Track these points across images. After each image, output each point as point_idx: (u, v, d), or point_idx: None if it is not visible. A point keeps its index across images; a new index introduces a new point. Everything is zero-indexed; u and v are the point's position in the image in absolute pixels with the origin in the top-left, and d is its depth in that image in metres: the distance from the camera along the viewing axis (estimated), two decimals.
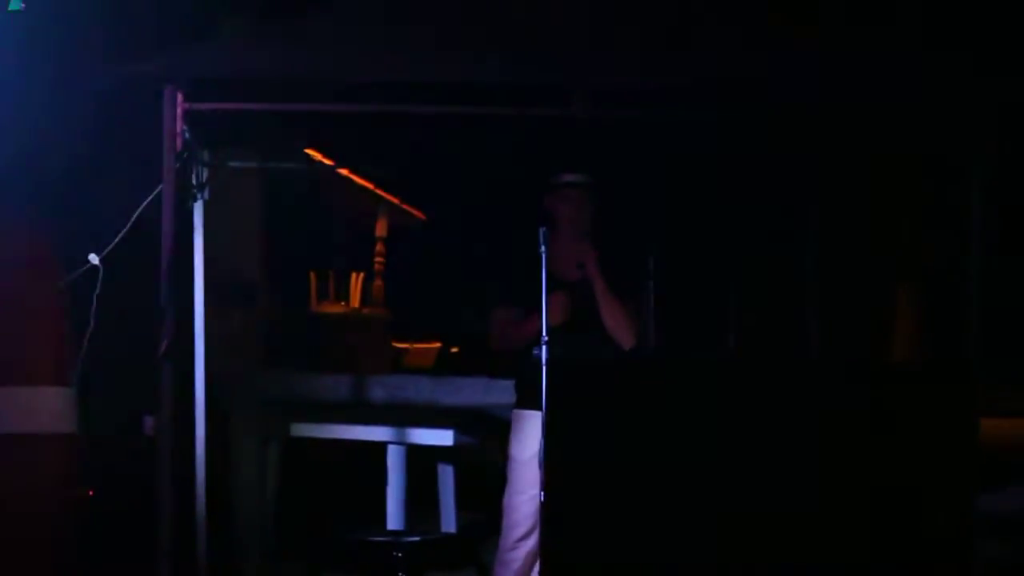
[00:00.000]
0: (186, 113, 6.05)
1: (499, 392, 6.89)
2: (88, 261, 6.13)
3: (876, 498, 6.00)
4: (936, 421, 6.07)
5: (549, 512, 5.73)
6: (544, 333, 5.82)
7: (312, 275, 8.35)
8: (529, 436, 6.21)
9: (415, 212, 8.74)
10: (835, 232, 8.54)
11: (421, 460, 7.74)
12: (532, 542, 6.20)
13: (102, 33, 6.22)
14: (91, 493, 6.73)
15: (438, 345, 9.27)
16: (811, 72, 6.16)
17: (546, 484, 5.74)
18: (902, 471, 6.06)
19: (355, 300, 8.38)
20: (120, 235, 6.11)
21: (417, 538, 7.03)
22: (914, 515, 5.98)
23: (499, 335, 6.42)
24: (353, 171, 8.07)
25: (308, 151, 7.44)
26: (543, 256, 5.79)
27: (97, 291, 6.12)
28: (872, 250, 8.54)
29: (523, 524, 6.23)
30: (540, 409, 6.04)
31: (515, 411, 6.36)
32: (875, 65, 6.20)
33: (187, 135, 6.09)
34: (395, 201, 8.58)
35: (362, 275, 8.43)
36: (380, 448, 7.72)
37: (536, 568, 6.18)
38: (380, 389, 7.66)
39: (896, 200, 8.36)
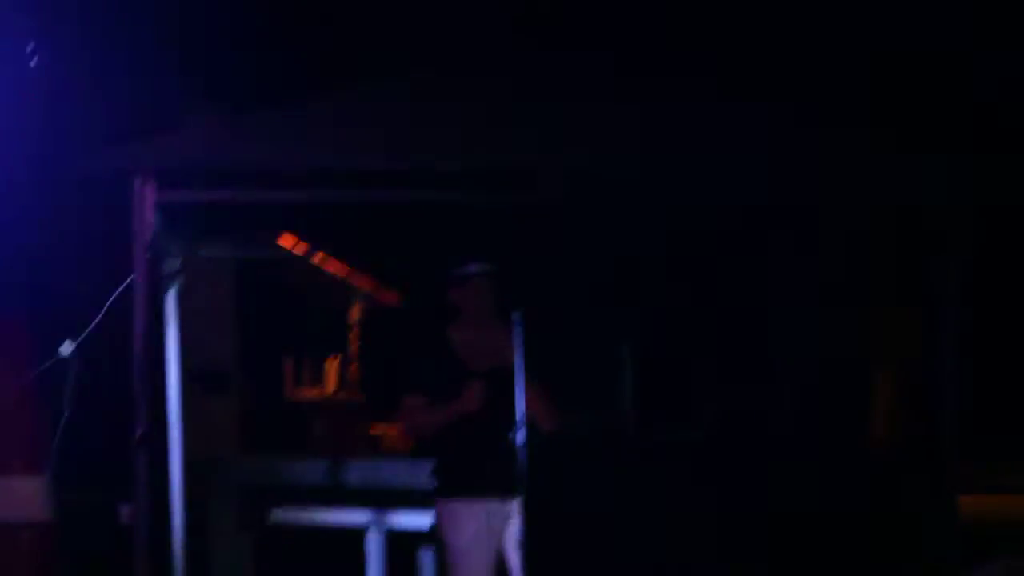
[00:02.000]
0: (157, 203, 6.10)
1: None
2: (60, 351, 6.15)
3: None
4: (914, 501, 6.09)
5: None
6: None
7: (286, 362, 8.35)
8: (463, 522, 6.27)
9: (389, 296, 8.75)
10: (813, 314, 8.57)
11: (401, 545, 7.71)
12: None
13: (77, 121, 6.26)
14: None
15: None
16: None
17: (525, 567, 5.81)
18: (882, 549, 6.07)
19: (331, 385, 8.38)
20: (92, 324, 6.14)
21: None
22: None
23: (413, 422, 6.50)
24: (326, 257, 8.09)
25: (280, 239, 7.47)
26: (518, 340, 5.86)
27: (71, 380, 6.13)
28: (850, 332, 8.56)
29: None
30: (471, 496, 6.25)
31: (443, 500, 6.37)
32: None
33: (158, 225, 6.13)
34: (368, 286, 8.59)
35: (337, 360, 8.43)
36: (359, 534, 7.69)
37: None
38: (357, 473, 7.62)
39: (872, 279, 8.40)
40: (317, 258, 7.98)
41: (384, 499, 7.53)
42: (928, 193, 6.14)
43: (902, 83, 7.22)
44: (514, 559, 6.22)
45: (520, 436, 5.86)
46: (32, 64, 5.98)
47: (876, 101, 6.93)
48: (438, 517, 6.41)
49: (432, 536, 6.73)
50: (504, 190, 6.18)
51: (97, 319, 6.14)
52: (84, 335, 6.15)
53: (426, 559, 7.75)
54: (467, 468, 6.30)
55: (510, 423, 5.92)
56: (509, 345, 6.01)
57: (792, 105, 6.24)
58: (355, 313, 8.53)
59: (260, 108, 6.39)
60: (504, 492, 6.11)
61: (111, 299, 6.13)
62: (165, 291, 6.33)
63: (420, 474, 6.69)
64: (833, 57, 7.27)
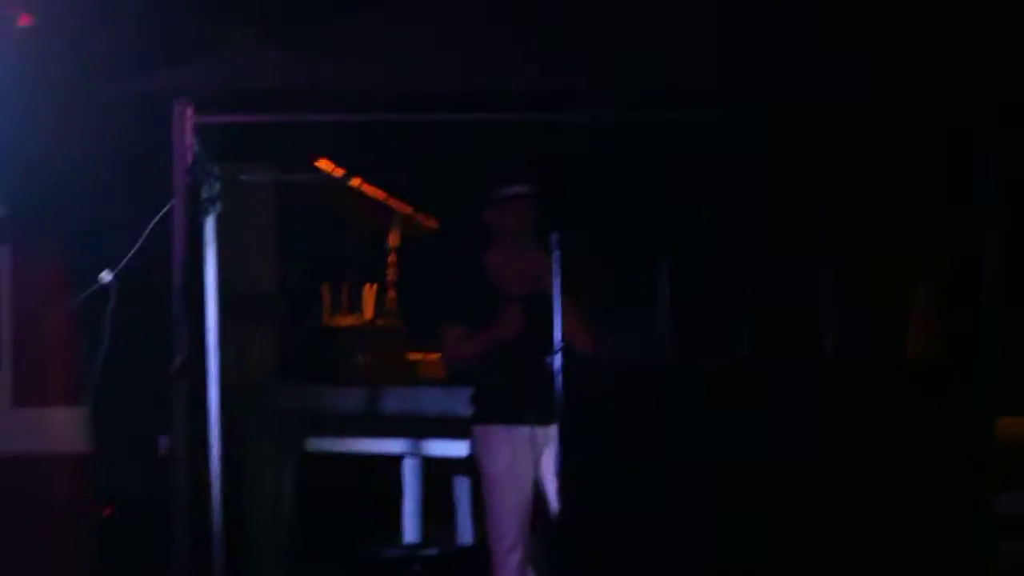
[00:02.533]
0: (196, 127, 6.02)
1: None
2: (100, 279, 6.13)
3: (893, 499, 6.00)
4: (953, 421, 6.07)
5: (567, 531, 5.82)
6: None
7: (325, 287, 8.33)
8: (499, 449, 6.28)
9: (428, 221, 8.72)
10: (849, 231, 8.52)
11: (437, 472, 7.73)
12: (519, 553, 6.26)
13: (111, 48, 6.20)
14: (107, 513, 6.73)
15: None
16: (816, 71, 6.14)
17: (563, 500, 5.79)
18: (920, 471, 6.06)
19: (368, 312, 8.35)
20: (132, 252, 6.11)
21: (435, 551, 7.06)
22: (934, 516, 5.98)
23: (451, 351, 6.47)
24: (364, 181, 8.05)
25: (319, 163, 7.44)
26: (556, 263, 5.81)
27: (110, 309, 6.12)
28: (887, 249, 8.52)
29: (509, 537, 6.26)
30: (507, 422, 6.26)
31: (479, 427, 6.38)
32: (878, 65, 6.18)
33: (197, 149, 6.07)
34: (408, 211, 8.56)
35: (375, 286, 8.40)
36: (396, 461, 7.72)
37: None
38: (395, 401, 7.66)
39: (910, 199, 8.35)
40: (355, 182, 7.97)
41: (421, 427, 7.57)
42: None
43: None
44: (551, 486, 6.20)
45: (557, 361, 5.82)
46: None
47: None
48: (474, 443, 6.42)
49: (469, 464, 6.75)
50: (546, 110, 6.09)
51: (136, 246, 6.09)
52: (123, 262, 6.11)
53: (462, 486, 7.81)
54: (504, 394, 6.29)
55: (547, 348, 5.88)
56: (547, 268, 5.95)
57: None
58: (393, 239, 8.50)
59: (299, 28, 6.32)
60: (541, 418, 6.09)
61: (151, 225, 6.07)
62: (204, 216, 6.28)
63: (457, 402, 6.71)
64: None
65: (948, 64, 6.20)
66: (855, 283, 8.42)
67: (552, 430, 6.00)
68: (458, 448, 7.23)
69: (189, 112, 6.01)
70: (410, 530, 7.70)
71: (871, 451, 6.14)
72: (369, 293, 8.36)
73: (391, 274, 8.50)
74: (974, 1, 6.37)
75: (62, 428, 6.29)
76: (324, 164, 7.42)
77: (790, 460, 6.10)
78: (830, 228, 8.31)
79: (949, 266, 8.22)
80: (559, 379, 5.81)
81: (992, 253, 6.11)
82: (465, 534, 7.83)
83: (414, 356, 8.48)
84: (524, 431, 6.22)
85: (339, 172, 7.51)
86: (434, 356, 7.98)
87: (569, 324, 5.98)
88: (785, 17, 6.23)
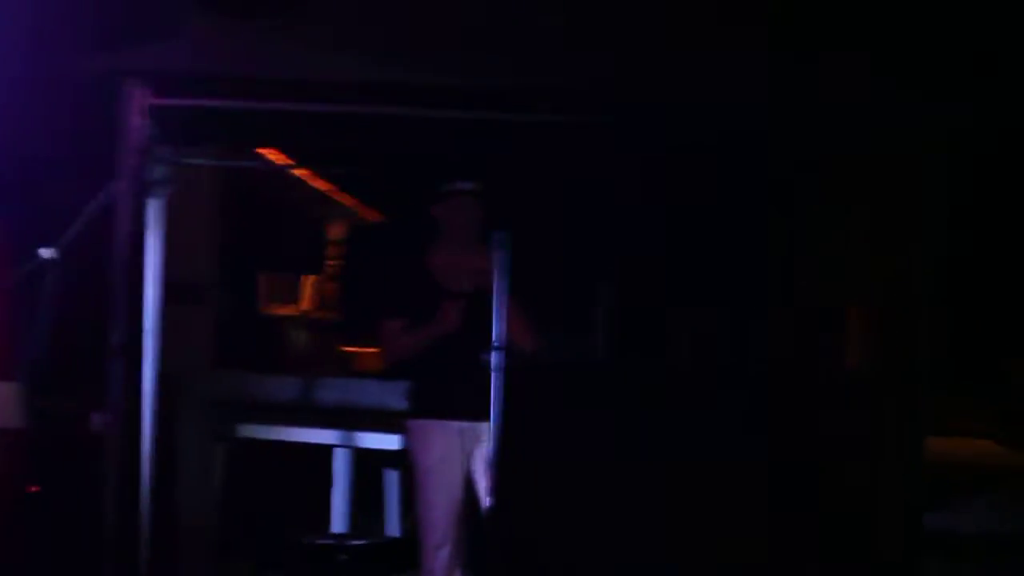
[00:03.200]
0: (146, 108, 6.03)
1: None
2: (40, 256, 6.10)
3: (824, 510, 6.03)
4: (885, 437, 6.11)
5: (498, 525, 5.80)
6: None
7: (263, 276, 8.31)
8: (432, 443, 6.32)
9: (372, 214, 8.71)
10: (787, 251, 8.57)
11: (368, 464, 7.74)
12: (449, 547, 6.29)
13: (65, 26, 6.17)
14: (35, 489, 6.68)
15: None
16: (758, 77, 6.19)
17: (496, 490, 5.78)
18: (851, 486, 6.09)
19: (306, 302, 8.34)
20: (73, 230, 6.08)
21: (362, 541, 7.04)
22: (863, 531, 6.02)
23: (391, 346, 6.46)
24: (310, 173, 8.04)
25: (263, 151, 7.43)
26: (500, 261, 5.78)
27: (49, 286, 6.07)
28: (825, 270, 8.57)
29: (439, 530, 6.30)
30: (441, 417, 6.31)
31: (413, 421, 6.40)
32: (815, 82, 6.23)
33: (146, 131, 6.06)
34: (351, 204, 8.54)
35: (314, 278, 8.40)
36: (327, 451, 7.72)
37: (457, 573, 6.33)
38: (329, 392, 7.67)
39: (849, 220, 8.40)
40: (301, 172, 7.95)
41: (355, 419, 7.56)
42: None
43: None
44: (482, 481, 6.25)
45: (495, 359, 5.80)
46: None
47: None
48: (409, 436, 6.44)
49: (400, 457, 6.76)
50: (500, 109, 6.11)
51: (78, 224, 6.07)
52: (63, 240, 6.07)
53: (391, 479, 7.81)
54: (439, 389, 6.31)
55: (485, 345, 5.86)
56: (489, 266, 5.94)
57: (789, 37, 6.23)
58: (336, 231, 8.49)
59: (252, 15, 6.31)
60: (475, 414, 6.10)
61: (94, 204, 6.06)
62: (150, 199, 6.26)
63: (391, 395, 6.75)
64: None
65: (889, 86, 6.26)
66: (792, 303, 8.48)
67: (484, 426, 5.99)
68: (390, 441, 7.24)
69: (139, 93, 6.01)
70: (338, 520, 7.67)
71: (804, 461, 6.18)
72: (307, 283, 8.36)
73: (332, 266, 8.50)
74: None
75: None
76: (270, 152, 7.43)
77: (719, 463, 6.13)
78: (768, 245, 8.36)
79: (884, 290, 8.29)
80: (496, 376, 5.78)
81: (927, 276, 6.18)
82: (393, 526, 7.84)
83: (351, 349, 8.49)
84: (457, 426, 6.27)
85: (285, 161, 7.52)
86: (371, 350, 7.98)
87: (512, 322, 5.97)
88: (732, 30, 6.27)
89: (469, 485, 6.35)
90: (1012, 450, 8.03)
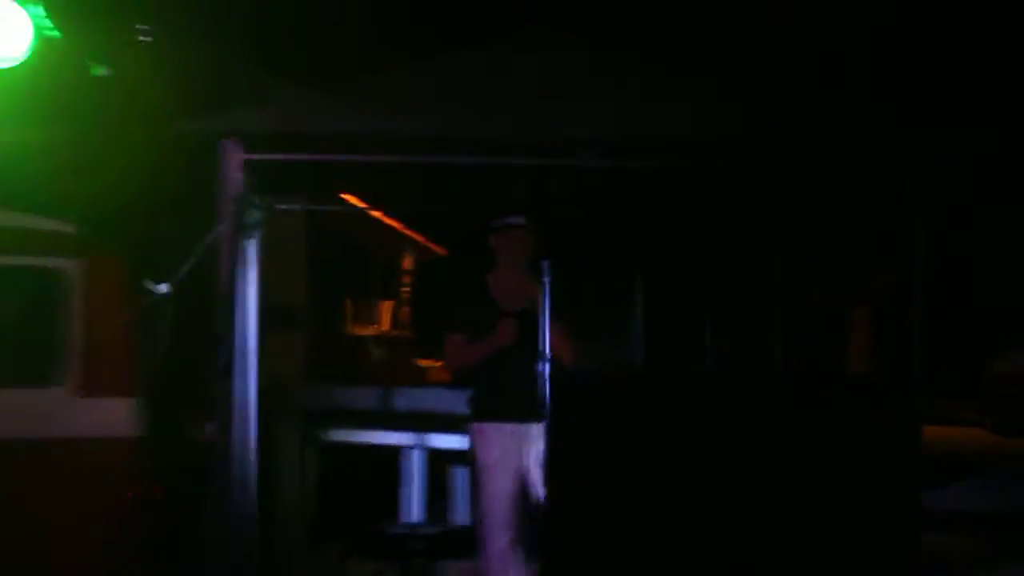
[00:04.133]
0: (243, 163, 6.18)
1: None
2: (158, 290, 6.26)
3: (834, 496, 6.05)
4: (885, 428, 6.13)
5: (552, 515, 5.81)
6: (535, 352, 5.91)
7: (348, 302, 8.38)
8: (492, 444, 6.35)
9: (437, 248, 8.80)
10: (796, 263, 8.60)
11: (438, 462, 7.80)
12: (509, 534, 6.31)
13: (173, 96, 6.35)
14: (157, 490, 6.80)
15: None
16: (764, 129, 6.29)
17: (548, 489, 5.82)
18: (857, 474, 6.10)
19: (384, 323, 8.42)
20: (185, 268, 6.23)
21: (433, 529, 7.12)
22: (866, 510, 6.03)
23: (454, 357, 6.54)
24: (385, 214, 8.12)
25: (345, 196, 7.57)
26: (546, 285, 5.88)
27: (166, 315, 6.25)
28: (829, 279, 8.61)
29: (499, 520, 6.32)
30: (502, 420, 6.33)
31: (475, 424, 6.43)
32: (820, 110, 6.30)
33: (242, 182, 6.22)
34: (420, 239, 8.63)
35: (391, 303, 8.48)
36: (403, 451, 7.74)
37: (516, 557, 6.33)
38: (404, 399, 7.72)
39: (849, 232, 8.43)
40: (377, 214, 8.03)
41: (426, 422, 7.61)
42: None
43: None
44: (536, 476, 6.30)
45: (545, 368, 5.88)
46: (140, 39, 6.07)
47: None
48: (471, 437, 6.49)
49: (465, 455, 6.81)
50: (547, 156, 6.24)
51: (189, 263, 6.23)
52: (178, 276, 6.24)
53: (458, 474, 7.88)
54: (497, 395, 6.37)
55: (536, 357, 5.94)
56: (537, 289, 6.02)
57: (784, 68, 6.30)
58: (407, 262, 8.56)
59: (330, 81, 6.46)
60: (528, 416, 6.17)
61: (203, 245, 6.22)
62: (247, 240, 6.42)
63: (457, 401, 6.77)
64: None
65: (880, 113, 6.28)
66: (802, 309, 8.52)
67: (537, 427, 6.08)
68: (456, 441, 7.28)
69: (235, 150, 6.17)
70: (412, 511, 7.75)
71: (817, 454, 6.18)
72: (385, 307, 8.41)
73: (405, 292, 8.54)
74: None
75: (121, 416, 6.37)
76: (350, 198, 7.55)
77: (743, 459, 6.13)
78: (781, 261, 8.40)
79: (883, 294, 8.34)
80: (546, 384, 5.85)
81: (920, 282, 6.24)
82: (461, 516, 7.82)
83: (423, 362, 8.52)
84: (512, 428, 6.31)
85: (362, 205, 7.60)
86: (439, 363, 7.99)
87: (556, 340, 6.03)
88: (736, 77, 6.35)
89: (525, 479, 6.37)
90: (999, 436, 8.01)
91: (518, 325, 6.30)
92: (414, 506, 7.76)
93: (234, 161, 6.19)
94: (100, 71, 6.03)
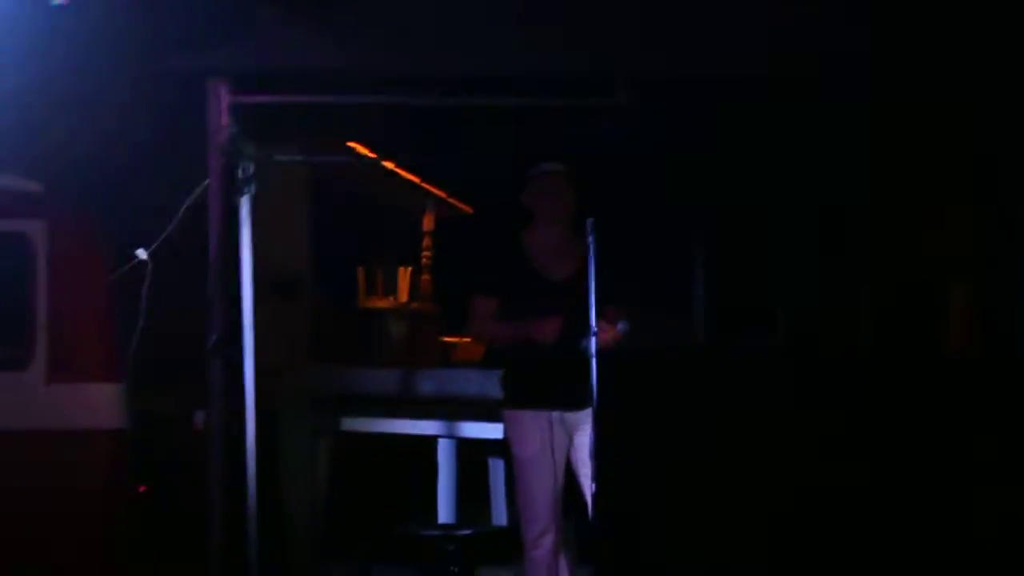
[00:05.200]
0: (231, 107, 6.03)
1: None
2: (136, 256, 6.16)
3: (930, 493, 5.95)
4: (991, 416, 6.01)
5: (602, 514, 5.69)
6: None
7: (360, 270, 8.31)
8: (529, 435, 6.22)
9: (462, 205, 8.68)
10: (888, 229, 8.47)
11: (472, 454, 7.73)
12: (552, 536, 6.20)
13: (145, 29, 6.22)
14: (142, 489, 6.75)
15: None
16: (857, 68, 6.05)
17: (597, 484, 5.69)
18: (958, 465, 6.00)
19: (403, 295, 8.33)
20: (168, 230, 6.13)
21: (469, 531, 7.04)
22: (969, 511, 5.93)
23: (482, 326, 6.40)
24: (399, 165, 8.02)
25: (352, 145, 7.41)
26: (590, 247, 5.69)
27: (146, 286, 6.14)
28: (925, 248, 8.47)
29: (541, 520, 6.21)
30: (538, 407, 6.19)
31: (509, 412, 6.33)
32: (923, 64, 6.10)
33: (232, 129, 6.06)
34: (442, 195, 8.52)
35: (410, 270, 8.38)
36: (430, 442, 7.72)
37: (562, 561, 6.24)
38: (429, 383, 7.64)
39: (949, 199, 8.30)
40: (390, 165, 7.94)
41: (455, 408, 7.53)
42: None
43: None
44: (584, 469, 6.12)
45: (591, 346, 5.70)
46: None
47: None
48: (506, 427, 6.37)
49: (503, 446, 6.71)
50: (581, 96, 6.03)
51: (172, 225, 6.12)
52: (159, 240, 6.14)
53: (496, 468, 7.80)
54: (534, 379, 6.22)
55: (582, 332, 5.79)
56: (583, 249, 5.83)
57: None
58: (428, 222, 8.47)
59: (333, 9, 6.31)
60: (572, 403, 6.06)
61: (186, 204, 6.10)
62: (239, 197, 6.26)
63: (492, 384, 6.66)
64: None
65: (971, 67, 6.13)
66: (892, 281, 8.39)
67: (584, 414, 5.94)
68: (493, 430, 7.16)
69: (224, 92, 6.00)
70: (445, 510, 7.69)
71: (906, 445, 6.09)
72: (403, 275, 8.34)
73: (426, 257, 8.48)
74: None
75: (99, 404, 6.31)
76: (357, 147, 7.41)
77: (822, 449, 6.06)
78: (868, 226, 8.26)
79: (985, 265, 8.18)
80: (593, 363, 5.69)
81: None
82: (499, 515, 7.83)
83: (449, 339, 8.46)
84: (554, 416, 6.17)
85: (373, 155, 7.51)
86: (469, 339, 7.95)
87: (605, 339, 5.84)
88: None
89: (570, 472, 6.25)
90: None
91: (560, 297, 6.12)
92: (445, 504, 7.74)
93: (222, 105, 6.03)
94: (58, 1, 5.88)
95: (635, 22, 6.11)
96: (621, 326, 5.97)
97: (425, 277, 8.42)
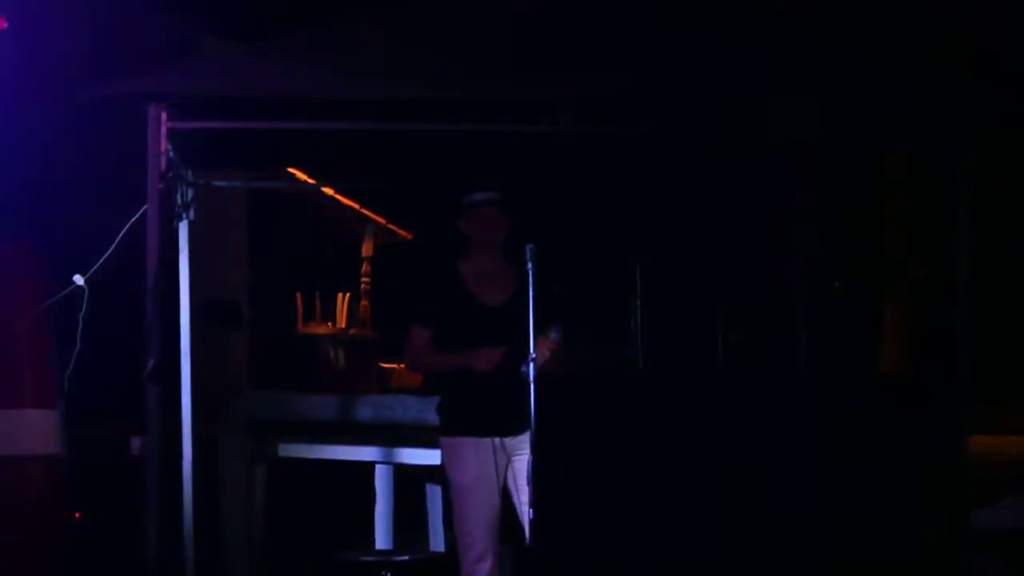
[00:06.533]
0: (170, 132, 5.98)
1: None
2: (73, 282, 6.10)
3: (869, 511, 5.98)
4: (927, 436, 6.04)
5: (539, 540, 5.67)
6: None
7: (298, 296, 8.29)
8: (467, 461, 6.20)
9: (401, 232, 8.69)
10: (823, 251, 8.54)
11: (409, 479, 7.71)
12: (489, 562, 6.18)
13: (87, 52, 6.18)
14: (78, 516, 6.69)
15: None
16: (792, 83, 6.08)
17: (534, 510, 5.66)
18: (894, 485, 6.04)
19: (341, 320, 8.32)
20: (105, 255, 6.07)
21: (407, 557, 6.99)
22: (909, 530, 5.96)
23: (418, 356, 6.38)
24: (338, 191, 8.00)
25: (292, 171, 7.39)
26: (530, 273, 5.68)
27: (83, 312, 6.06)
28: (858, 268, 8.55)
29: (478, 546, 6.18)
30: (475, 435, 6.17)
31: (446, 438, 6.29)
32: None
33: (172, 154, 6.03)
34: (381, 221, 8.53)
35: (348, 295, 8.37)
36: (368, 468, 7.69)
37: None
38: (367, 409, 7.61)
39: (882, 217, 8.37)
40: (328, 191, 7.92)
41: (393, 434, 7.51)
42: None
43: None
44: (522, 495, 6.10)
45: (529, 371, 5.68)
46: None
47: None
48: (442, 453, 6.34)
49: (441, 471, 6.70)
50: (523, 121, 6.05)
51: (109, 250, 6.06)
52: (96, 266, 6.07)
53: (434, 494, 7.77)
54: (471, 405, 6.19)
55: (519, 358, 5.76)
56: (518, 276, 5.87)
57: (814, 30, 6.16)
58: (367, 248, 8.46)
59: (272, 37, 6.28)
60: (509, 429, 6.05)
61: (124, 229, 6.03)
62: (178, 222, 6.24)
63: (430, 410, 6.63)
64: None
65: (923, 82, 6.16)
66: (827, 304, 8.44)
67: (522, 439, 5.95)
68: (430, 456, 7.14)
69: (163, 117, 5.95)
70: (382, 536, 7.65)
71: (840, 464, 6.12)
72: (342, 302, 8.34)
73: (364, 283, 8.47)
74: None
75: (34, 430, 6.23)
76: (297, 173, 7.39)
77: (760, 469, 6.08)
78: (802, 251, 8.31)
79: (918, 286, 8.25)
80: (531, 389, 5.66)
81: (965, 270, 6.06)
82: (437, 541, 7.80)
83: (387, 365, 8.46)
84: (493, 441, 6.15)
85: (311, 181, 7.48)
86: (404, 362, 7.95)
87: (542, 352, 5.85)
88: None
89: (508, 498, 6.22)
90: None
91: (496, 320, 6.12)
92: (382, 530, 7.69)
93: (161, 130, 5.99)
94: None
95: (567, 54, 6.12)
96: (554, 334, 5.97)
97: (364, 303, 8.41)
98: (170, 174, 6.05)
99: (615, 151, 6.58)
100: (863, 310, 8.37)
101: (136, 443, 6.53)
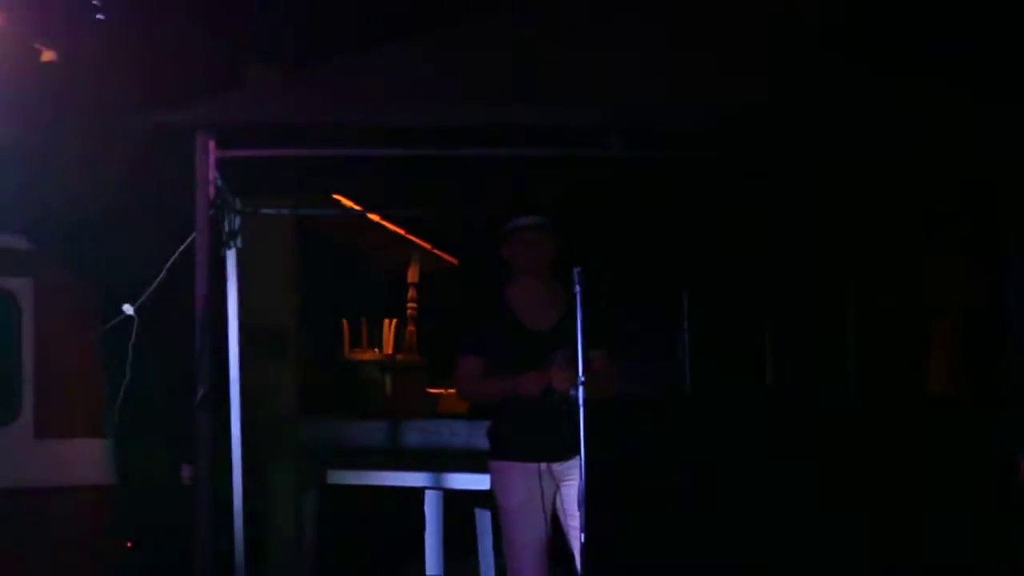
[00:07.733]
0: (218, 161, 6.02)
1: None
2: (122, 312, 6.15)
3: (918, 533, 5.98)
4: (976, 456, 6.04)
5: (591, 566, 5.66)
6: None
7: (345, 322, 8.33)
8: (515, 486, 6.20)
9: (448, 257, 8.72)
10: (872, 271, 8.51)
11: (459, 505, 7.72)
12: None
13: (134, 84, 6.24)
14: (129, 544, 6.74)
15: None
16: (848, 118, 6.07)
17: (586, 535, 5.65)
18: (943, 507, 6.04)
19: (388, 346, 8.35)
20: (154, 285, 6.12)
21: None
22: (955, 552, 5.96)
23: (468, 385, 6.38)
24: (384, 217, 8.04)
25: (338, 197, 7.43)
26: (577, 296, 5.71)
27: (132, 341, 6.11)
28: (908, 287, 8.51)
29: (528, 571, 6.18)
30: (524, 460, 6.17)
31: (495, 463, 6.30)
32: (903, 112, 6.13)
33: (219, 182, 6.07)
34: (427, 247, 8.55)
35: (395, 321, 8.40)
36: (418, 493, 7.71)
37: None
38: (416, 435, 7.64)
39: (931, 237, 8.33)
40: (375, 217, 7.96)
41: (442, 460, 7.54)
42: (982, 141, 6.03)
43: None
44: (572, 520, 6.10)
45: (578, 395, 5.69)
46: (95, 17, 5.96)
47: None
48: (492, 478, 6.35)
49: (490, 497, 6.71)
50: (565, 146, 6.06)
51: (159, 278, 6.11)
52: (145, 295, 6.12)
53: (484, 519, 7.78)
54: (519, 430, 6.20)
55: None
56: (566, 299, 5.86)
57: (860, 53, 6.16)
58: (413, 274, 8.50)
59: (316, 64, 6.33)
60: (558, 454, 6.05)
61: (172, 258, 6.08)
62: (226, 250, 6.29)
63: (479, 435, 6.64)
64: None
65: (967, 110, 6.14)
66: (877, 323, 8.41)
67: (571, 464, 5.95)
68: (480, 481, 7.15)
69: (211, 146, 5.99)
70: (432, 562, 7.67)
71: (888, 485, 6.13)
72: (389, 327, 8.36)
73: (411, 309, 8.50)
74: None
75: (85, 459, 6.31)
76: (344, 200, 7.43)
77: (814, 490, 6.09)
78: (851, 269, 8.29)
79: (969, 303, 8.20)
80: (580, 413, 5.67)
81: (1017, 288, 6.05)
82: (487, 567, 7.82)
83: (435, 390, 8.47)
84: (541, 467, 6.15)
85: (359, 208, 7.52)
86: (455, 390, 7.98)
87: (599, 368, 5.90)
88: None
89: (557, 523, 6.21)
90: None
91: (544, 346, 6.10)
92: (432, 556, 7.71)
93: (209, 159, 6.02)
94: (50, 56, 5.92)
95: (611, 80, 6.15)
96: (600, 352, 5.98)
97: (411, 328, 8.43)
98: (218, 202, 6.08)
99: (664, 175, 6.58)
100: (913, 333, 8.33)
101: (187, 470, 6.57)
